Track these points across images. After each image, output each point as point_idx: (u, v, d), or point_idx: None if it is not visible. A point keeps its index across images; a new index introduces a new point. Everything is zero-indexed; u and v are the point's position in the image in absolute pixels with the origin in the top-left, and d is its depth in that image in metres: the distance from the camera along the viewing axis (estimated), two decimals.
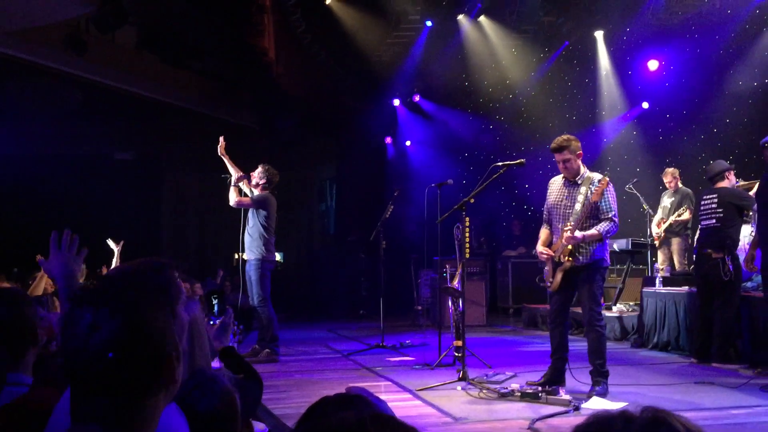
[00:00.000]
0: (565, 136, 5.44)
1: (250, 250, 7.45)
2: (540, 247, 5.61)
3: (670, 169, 9.30)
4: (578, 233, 5.25)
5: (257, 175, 7.62)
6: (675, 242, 9.21)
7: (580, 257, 5.33)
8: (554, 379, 5.44)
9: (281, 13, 11.26)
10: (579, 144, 5.44)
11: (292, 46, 12.17)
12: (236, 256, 8.29)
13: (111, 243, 6.44)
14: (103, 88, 11.58)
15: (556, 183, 5.61)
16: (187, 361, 2.14)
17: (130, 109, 13.02)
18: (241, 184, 7.50)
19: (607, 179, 5.33)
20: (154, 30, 10.46)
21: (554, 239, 5.54)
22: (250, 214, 7.52)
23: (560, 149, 5.38)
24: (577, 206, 5.32)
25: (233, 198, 7.40)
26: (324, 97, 13.95)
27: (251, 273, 7.43)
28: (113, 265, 6.13)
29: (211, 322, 5.55)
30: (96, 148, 15.22)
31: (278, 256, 15.61)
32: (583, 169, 5.45)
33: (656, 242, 9.33)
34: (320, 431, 1.01)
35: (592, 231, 5.25)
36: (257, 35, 10.24)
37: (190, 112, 13.32)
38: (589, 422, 0.97)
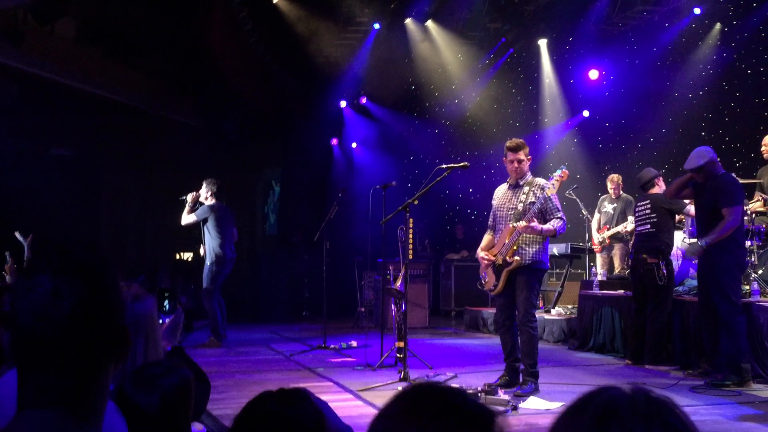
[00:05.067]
0: (520, 139, 5.61)
1: (207, 253, 8.49)
2: (480, 252, 5.72)
3: (615, 176, 9.52)
4: (535, 223, 5.33)
5: (203, 191, 8.53)
6: (617, 247, 9.44)
7: (522, 258, 5.44)
8: (512, 381, 5.56)
9: (228, 11, 11.13)
10: (528, 149, 5.64)
11: (239, 45, 12.05)
12: (201, 253, 8.76)
13: (19, 236, 6.21)
14: (41, 81, 11.19)
15: (501, 189, 5.81)
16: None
17: (69, 103, 12.61)
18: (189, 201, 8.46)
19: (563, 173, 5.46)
20: (95, 23, 10.21)
21: (496, 242, 5.64)
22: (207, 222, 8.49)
23: (517, 148, 5.56)
24: (520, 206, 5.47)
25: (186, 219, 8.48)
26: (270, 97, 13.83)
27: (206, 271, 8.45)
28: (26, 259, 5.92)
29: (161, 321, 5.43)
30: (32, 143, 14.69)
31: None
32: (529, 173, 5.62)
33: (595, 248, 9.54)
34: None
35: (548, 225, 5.37)
36: (203, 33, 10.11)
37: (132, 109, 12.99)
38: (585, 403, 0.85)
